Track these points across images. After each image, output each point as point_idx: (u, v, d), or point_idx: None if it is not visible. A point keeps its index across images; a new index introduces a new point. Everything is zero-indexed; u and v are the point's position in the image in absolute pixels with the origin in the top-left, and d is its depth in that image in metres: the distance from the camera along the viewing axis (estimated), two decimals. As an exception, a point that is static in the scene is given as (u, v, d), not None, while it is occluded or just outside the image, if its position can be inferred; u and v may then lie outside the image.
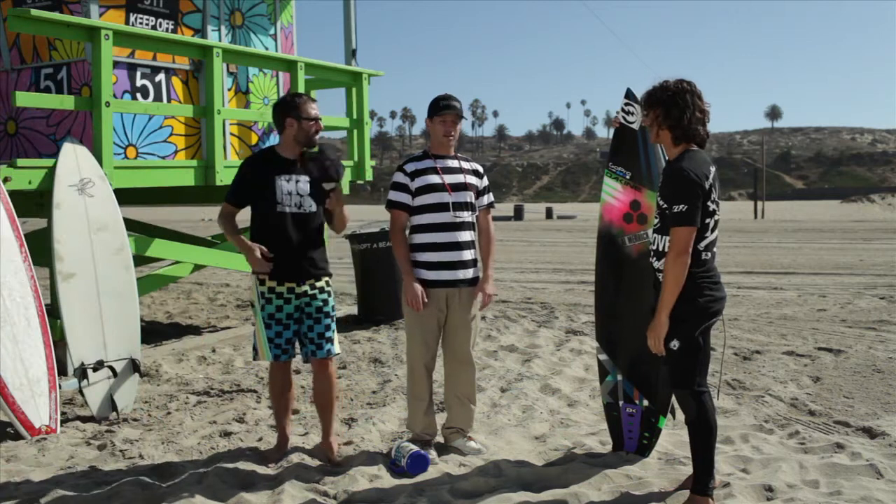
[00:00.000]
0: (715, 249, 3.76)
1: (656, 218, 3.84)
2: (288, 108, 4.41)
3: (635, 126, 4.37)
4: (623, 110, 4.43)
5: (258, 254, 4.30)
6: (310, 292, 4.42)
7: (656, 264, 3.81)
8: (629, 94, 4.42)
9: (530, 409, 5.46)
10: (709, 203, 3.65)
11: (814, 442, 4.65)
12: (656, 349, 3.72)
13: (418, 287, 4.42)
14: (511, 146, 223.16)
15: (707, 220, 3.66)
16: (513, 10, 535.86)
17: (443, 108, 4.51)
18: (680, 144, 3.76)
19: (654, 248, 3.83)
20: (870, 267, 15.00)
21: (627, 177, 4.37)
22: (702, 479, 3.70)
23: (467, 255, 4.53)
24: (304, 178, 4.42)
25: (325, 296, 4.47)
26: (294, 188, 4.38)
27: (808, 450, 4.52)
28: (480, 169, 4.73)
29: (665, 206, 3.69)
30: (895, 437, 4.71)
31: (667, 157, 3.89)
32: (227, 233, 4.51)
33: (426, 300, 4.42)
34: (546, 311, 9.49)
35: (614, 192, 4.41)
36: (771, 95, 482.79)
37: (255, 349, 4.49)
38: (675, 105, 3.71)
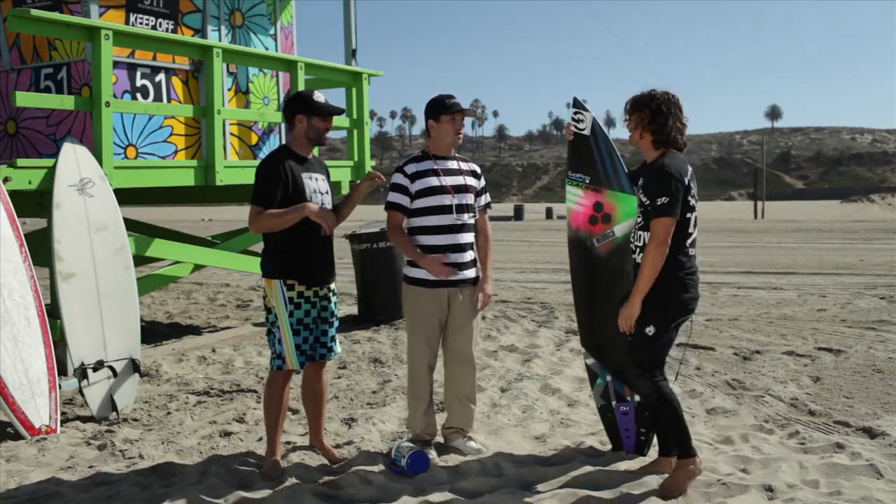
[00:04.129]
0: (695, 248, 4.04)
1: (639, 217, 4.08)
2: (299, 105, 4.33)
3: (587, 132, 4.45)
4: (574, 119, 4.51)
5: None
6: (328, 294, 4.41)
7: (639, 259, 4.03)
8: (576, 103, 4.52)
9: (530, 409, 5.46)
10: (689, 198, 3.95)
11: (814, 442, 4.65)
12: (625, 327, 4.00)
13: (434, 256, 4.39)
14: (511, 146, 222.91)
15: (688, 215, 3.96)
16: (513, 10, 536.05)
17: (451, 106, 4.52)
18: (660, 149, 4.07)
19: (639, 244, 4.06)
20: (870, 267, 14.99)
21: (587, 181, 4.43)
22: (682, 445, 3.97)
23: (468, 255, 4.54)
24: (321, 176, 4.40)
25: (335, 297, 4.48)
26: (315, 185, 4.32)
27: (808, 450, 4.52)
28: (478, 169, 4.73)
29: (647, 201, 3.94)
30: (895, 437, 4.72)
31: (646, 161, 4.15)
32: (272, 227, 4.22)
33: (447, 262, 4.40)
34: (546, 311, 9.50)
35: (577, 199, 4.48)
36: (771, 95, 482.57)
37: (280, 357, 4.26)
38: (660, 112, 4.01)
